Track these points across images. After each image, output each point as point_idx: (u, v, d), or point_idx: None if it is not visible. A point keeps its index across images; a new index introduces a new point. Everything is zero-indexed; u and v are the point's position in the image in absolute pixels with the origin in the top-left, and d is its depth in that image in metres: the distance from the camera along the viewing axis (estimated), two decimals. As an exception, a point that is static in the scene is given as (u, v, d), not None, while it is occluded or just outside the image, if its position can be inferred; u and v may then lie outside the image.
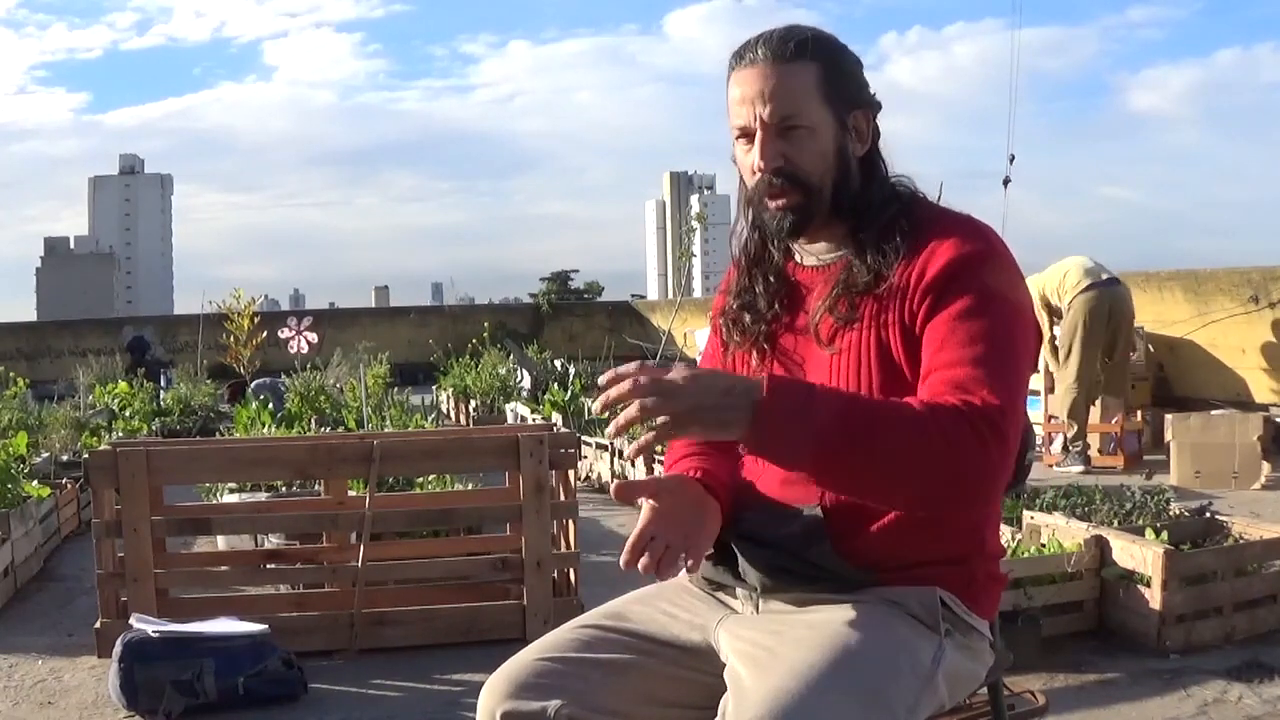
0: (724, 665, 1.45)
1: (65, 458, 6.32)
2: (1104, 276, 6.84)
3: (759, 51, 1.54)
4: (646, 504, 1.48)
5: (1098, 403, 6.86)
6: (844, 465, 1.32)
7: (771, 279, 1.64)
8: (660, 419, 1.27)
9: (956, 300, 1.44)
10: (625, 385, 1.28)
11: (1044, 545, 3.63)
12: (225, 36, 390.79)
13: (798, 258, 1.65)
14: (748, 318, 1.65)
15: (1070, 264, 6.95)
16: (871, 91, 1.60)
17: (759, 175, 1.55)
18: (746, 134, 1.56)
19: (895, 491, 1.36)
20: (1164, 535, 3.52)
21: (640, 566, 1.43)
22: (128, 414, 8.42)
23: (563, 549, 3.76)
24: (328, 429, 6.84)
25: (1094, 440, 6.76)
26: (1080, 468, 6.52)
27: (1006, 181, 8.23)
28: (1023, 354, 1.45)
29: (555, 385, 8.63)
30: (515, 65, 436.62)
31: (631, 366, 1.29)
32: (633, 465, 6.00)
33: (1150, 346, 8.02)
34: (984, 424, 1.33)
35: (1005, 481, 1.42)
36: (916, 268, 1.48)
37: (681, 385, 1.28)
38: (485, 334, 12.04)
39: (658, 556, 1.43)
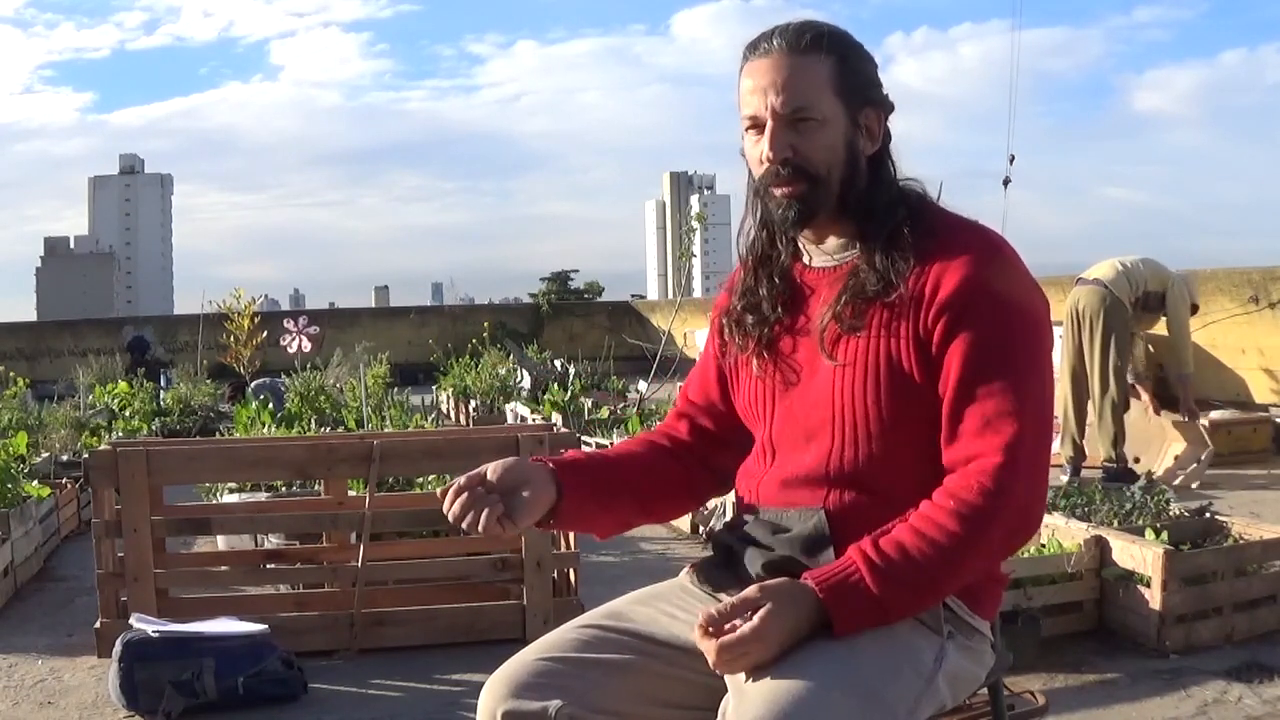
0: (725, 666, 1.45)
1: (65, 458, 6.31)
2: (1090, 277, 6.54)
3: (774, 42, 1.53)
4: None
5: (1093, 404, 6.69)
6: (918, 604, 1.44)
7: (777, 280, 1.62)
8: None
9: (977, 323, 1.45)
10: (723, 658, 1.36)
11: (1044, 545, 3.62)
12: (232, 36, 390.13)
13: (805, 259, 1.63)
14: (750, 319, 1.62)
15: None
16: (884, 92, 1.59)
17: (766, 165, 1.54)
18: (757, 124, 1.55)
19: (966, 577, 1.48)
20: (1164, 535, 3.52)
21: (451, 511, 1.47)
22: (128, 414, 8.41)
23: (563, 549, 3.76)
24: (328, 429, 6.83)
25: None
26: (1065, 478, 5.97)
27: (1007, 181, 8.22)
28: (1047, 365, 1.50)
29: (555, 385, 8.62)
30: (521, 65, 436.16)
31: (710, 648, 1.35)
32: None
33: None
34: (1008, 475, 1.40)
35: (1044, 500, 1.50)
36: (930, 279, 1.48)
37: (764, 635, 1.35)
38: (485, 334, 12.05)
39: (473, 503, 1.46)
